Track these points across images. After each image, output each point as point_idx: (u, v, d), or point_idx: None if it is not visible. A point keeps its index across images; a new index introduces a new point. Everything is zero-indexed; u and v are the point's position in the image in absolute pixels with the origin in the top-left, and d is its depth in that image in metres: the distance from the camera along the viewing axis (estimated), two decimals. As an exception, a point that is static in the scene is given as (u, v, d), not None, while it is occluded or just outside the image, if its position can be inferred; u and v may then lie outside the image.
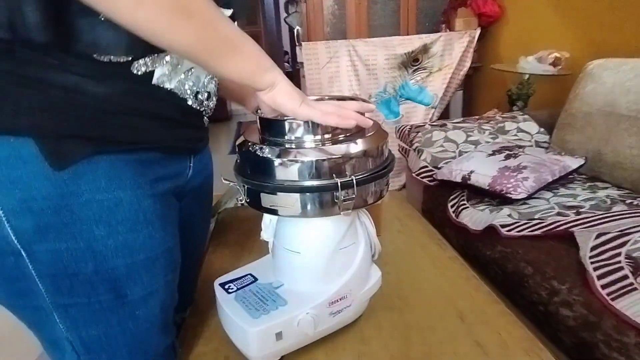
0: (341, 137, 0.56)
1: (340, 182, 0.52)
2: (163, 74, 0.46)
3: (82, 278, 0.45)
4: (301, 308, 0.59)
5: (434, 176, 1.42)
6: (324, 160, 0.53)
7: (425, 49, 2.34)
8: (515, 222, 1.05)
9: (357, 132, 0.58)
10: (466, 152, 1.49)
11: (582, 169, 1.32)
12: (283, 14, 3.73)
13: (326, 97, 0.67)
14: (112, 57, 0.41)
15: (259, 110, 0.59)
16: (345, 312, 0.64)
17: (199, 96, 0.53)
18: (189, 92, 0.51)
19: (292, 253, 0.63)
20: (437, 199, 1.39)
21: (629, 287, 0.77)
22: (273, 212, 0.57)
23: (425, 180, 1.46)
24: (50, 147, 0.40)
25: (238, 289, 0.65)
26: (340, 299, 0.63)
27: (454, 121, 1.66)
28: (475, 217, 1.16)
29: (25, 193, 0.40)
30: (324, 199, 0.54)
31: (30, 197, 0.40)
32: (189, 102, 0.51)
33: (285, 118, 0.56)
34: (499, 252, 1.02)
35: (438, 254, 0.91)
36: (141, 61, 0.43)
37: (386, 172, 0.59)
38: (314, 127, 0.54)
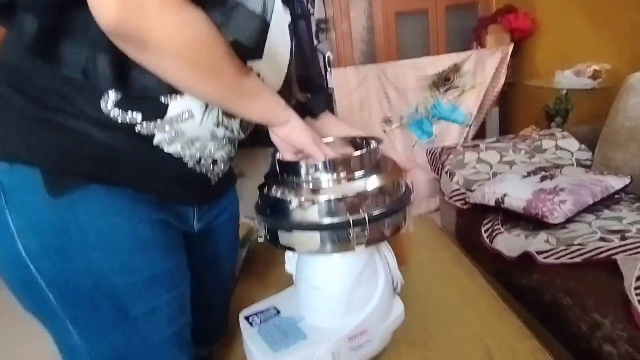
0: (357, 174, 0.58)
1: (353, 220, 0.54)
2: (163, 140, 0.51)
3: (84, 293, 0.49)
4: (320, 343, 0.60)
5: (466, 199, 1.39)
6: (336, 199, 0.54)
7: (456, 67, 2.31)
8: (553, 249, 1.00)
9: (372, 169, 0.59)
10: (500, 173, 1.44)
11: (631, 188, 1.24)
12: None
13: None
14: (132, 114, 0.47)
15: (277, 153, 0.62)
16: (366, 346, 0.64)
17: (202, 162, 0.57)
18: (188, 157, 0.55)
19: (312, 287, 0.64)
20: (470, 222, 1.35)
21: (681, 323, 0.70)
22: (290, 249, 0.59)
23: (457, 203, 1.43)
24: (52, 178, 0.46)
25: (261, 322, 0.67)
26: (361, 334, 0.63)
27: (487, 141, 1.62)
28: (510, 242, 1.12)
29: (32, 216, 0.47)
30: (339, 236, 0.56)
31: (36, 220, 0.47)
32: (190, 166, 0.56)
33: (299, 160, 0.58)
34: (536, 280, 0.97)
35: (467, 285, 0.88)
36: (144, 124, 0.48)
37: (401, 208, 0.59)
38: (328, 166, 0.56)
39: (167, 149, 0.51)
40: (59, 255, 0.47)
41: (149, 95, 0.47)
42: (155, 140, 0.50)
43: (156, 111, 0.48)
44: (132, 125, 0.48)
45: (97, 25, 0.39)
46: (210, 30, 0.43)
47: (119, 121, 0.47)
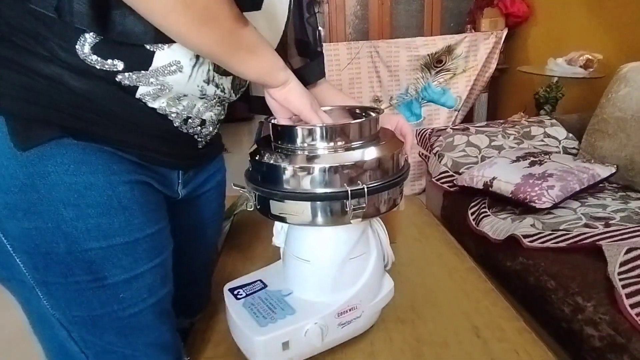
0: (355, 144, 0.55)
1: (351, 190, 0.51)
2: (147, 93, 0.46)
3: (55, 258, 0.45)
4: (309, 318, 0.58)
5: (454, 182, 1.38)
6: (334, 168, 0.51)
7: (449, 50, 2.28)
8: (539, 233, 1.00)
9: (371, 140, 0.56)
10: (489, 157, 1.44)
11: (614, 178, 1.26)
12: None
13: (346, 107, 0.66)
14: (112, 61, 0.42)
15: (270, 118, 0.58)
16: (354, 323, 0.63)
17: (190, 122, 0.52)
18: (175, 115, 0.50)
19: (301, 261, 0.62)
20: (457, 205, 1.35)
21: (662, 308, 0.72)
22: (282, 219, 0.56)
23: (445, 185, 1.42)
24: (19, 128, 0.41)
25: (247, 295, 0.64)
26: (350, 310, 0.61)
27: (477, 125, 1.61)
28: (496, 225, 1.12)
29: None
30: (334, 207, 0.53)
31: (0, 175, 0.41)
32: (176, 125, 0.51)
33: (296, 124, 0.55)
34: (520, 263, 0.98)
35: (455, 264, 0.88)
36: (126, 74, 0.43)
37: (400, 181, 0.57)
38: (326, 133, 0.53)
39: (152, 104, 0.47)
40: (26, 213, 0.43)
41: (133, 42, 0.42)
42: (139, 93, 0.45)
43: (140, 60, 0.43)
44: (113, 74, 0.43)
45: None
46: None
47: (97, 68, 0.42)
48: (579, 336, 0.78)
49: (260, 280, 0.68)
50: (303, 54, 0.72)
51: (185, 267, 0.64)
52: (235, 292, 0.65)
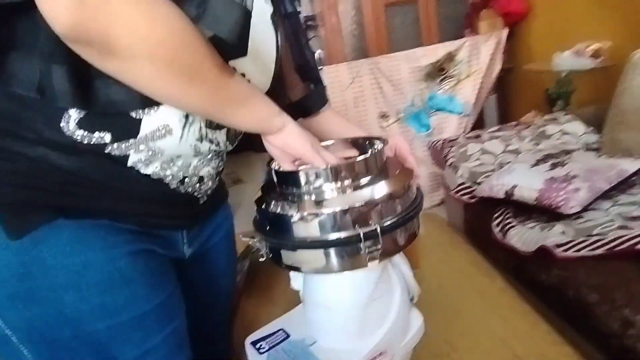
0: (363, 181, 0.52)
1: (364, 232, 0.48)
2: (139, 160, 0.44)
3: (62, 344, 0.43)
4: (336, 370, 0.55)
5: (473, 193, 1.34)
6: (343, 211, 0.48)
7: (450, 57, 2.26)
8: (571, 241, 0.95)
9: (379, 174, 0.54)
10: (507, 163, 1.39)
11: (643, 170, 1.19)
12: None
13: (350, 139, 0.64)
14: (96, 135, 0.41)
15: (273, 163, 0.56)
16: (386, 368, 0.59)
17: (187, 181, 0.51)
18: (170, 177, 0.48)
19: (322, 307, 0.59)
20: (480, 217, 1.30)
21: None
22: (296, 269, 0.54)
23: (464, 198, 1.37)
24: (8, 216, 0.40)
25: (270, 348, 0.61)
26: (380, 355, 0.57)
27: (490, 130, 1.57)
28: (524, 236, 1.06)
29: None
30: (348, 252, 0.50)
31: None
32: (172, 187, 0.49)
33: (300, 169, 0.53)
34: (556, 276, 0.92)
35: (486, 286, 0.83)
36: (114, 145, 0.42)
37: (416, 214, 0.54)
38: (331, 175, 0.51)
39: (145, 170, 0.45)
40: (25, 302, 0.41)
41: (118, 111, 0.41)
42: (130, 162, 0.44)
43: (128, 129, 0.42)
44: (101, 147, 0.42)
45: (48, 31, 0.32)
46: (186, 26, 0.37)
47: (85, 143, 0.41)
48: (633, 354, 0.72)
49: (283, 330, 0.65)
50: (306, 78, 0.70)
51: (203, 324, 0.62)
52: (258, 346, 0.62)
